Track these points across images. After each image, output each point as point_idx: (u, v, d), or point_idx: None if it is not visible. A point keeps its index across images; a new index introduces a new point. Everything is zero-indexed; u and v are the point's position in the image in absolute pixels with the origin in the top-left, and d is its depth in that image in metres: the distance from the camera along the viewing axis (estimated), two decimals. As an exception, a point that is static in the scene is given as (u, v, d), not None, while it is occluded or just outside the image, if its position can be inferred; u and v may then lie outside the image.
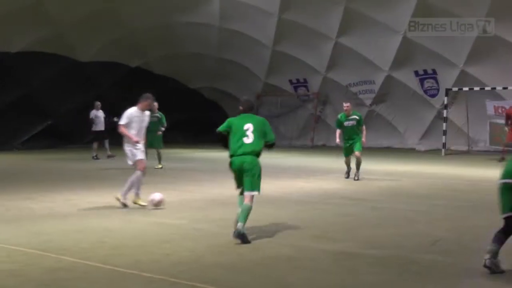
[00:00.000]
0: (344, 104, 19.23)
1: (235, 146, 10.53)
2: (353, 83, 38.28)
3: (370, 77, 37.20)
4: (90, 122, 28.13)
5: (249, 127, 10.67)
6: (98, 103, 28.32)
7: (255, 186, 10.36)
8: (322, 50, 37.63)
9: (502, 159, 26.83)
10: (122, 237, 10.20)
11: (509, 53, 31.72)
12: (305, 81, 40.30)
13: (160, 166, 22.86)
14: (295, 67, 39.36)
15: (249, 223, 9.95)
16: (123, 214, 12.42)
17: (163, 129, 23.51)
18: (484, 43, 32.18)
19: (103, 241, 9.82)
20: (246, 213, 9.97)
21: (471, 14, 31.83)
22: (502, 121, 31.32)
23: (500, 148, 29.99)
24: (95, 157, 27.32)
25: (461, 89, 32.64)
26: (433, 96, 35.08)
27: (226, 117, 35.70)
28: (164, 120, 23.56)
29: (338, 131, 19.19)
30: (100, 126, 28.08)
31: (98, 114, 28.16)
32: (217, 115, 40.65)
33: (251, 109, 11.12)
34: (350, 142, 18.82)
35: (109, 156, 26.94)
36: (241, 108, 11.01)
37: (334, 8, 35.00)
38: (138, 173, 13.64)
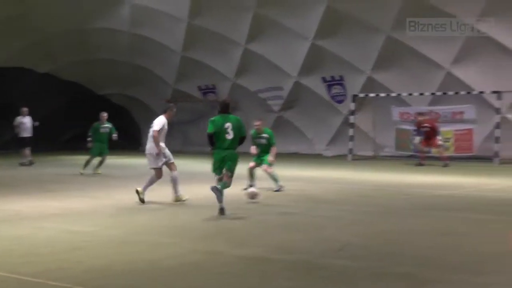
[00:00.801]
0: (255, 123, 19.22)
1: (219, 142, 13.28)
2: (262, 89, 38.51)
3: (279, 83, 37.49)
4: (15, 128, 27.63)
5: (228, 125, 13.24)
6: (24, 109, 27.80)
7: (233, 170, 13.42)
8: (231, 56, 37.76)
9: (419, 164, 27.49)
10: (32, 245, 10.06)
11: (415, 59, 32.43)
12: (214, 87, 40.36)
13: (99, 172, 23.46)
14: (204, 73, 39.41)
15: (163, 229, 9.97)
16: (34, 222, 12.28)
17: (115, 135, 24.71)
18: (390, 50, 32.82)
19: (11, 249, 9.71)
20: (224, 187, 13.12)
21: (379, 22, 32.41)
22: (408, 127, 32.13)
23: (406, 153, 30.86)
24: (27, 163, 26.86)
25: (368, 95, 33.24)
26: (340, 102, 35.59)
27: (135, 122, 35.43)
28: (114, 130, 24.77)
29: (252, 146, 19.18)
30: (27, 132, 27.56)
31: (24, 121, 27.64)
32: (125, 121, 40.59)
33: (227, 108, 13.58)
34: (261, 158, 18.80)
35: (22, 164, 26.63)
36: (219, 109, 13.70)
37: (244, 14, 35.17)
38: (174, 173, 15.38)
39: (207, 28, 36.52)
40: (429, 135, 28.16)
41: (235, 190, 17.62)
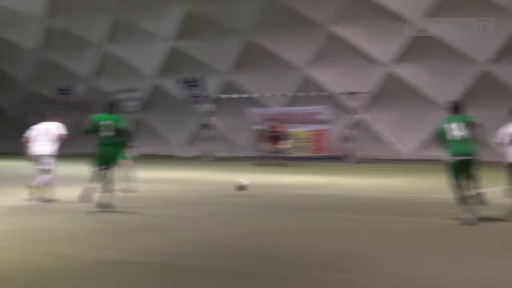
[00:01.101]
0: None
1: (102, 139, 14.00)
2: (120, 90, 38.16)
3: (137, 85, 37.26)
4: None
5: (110, 123, 14.20)
6: None
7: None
8: (88, 58, 37.30)
9: (262, 164, 27.67)
10: None
11: (273, 62, 32.88)
12: (71, 88, 39.70)
13: None
14: (61, 75, 38.74)
15: (16, 233, 9.60)
16: None
17: None
18: (248, 52, 33.17)
19: None
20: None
21: (238, 25, 32.68)
22: (265, 128, 32.44)
23: (264, 154, 31.25)
24: None
25: (226, 96, 33.39)
26: (198, 103, 35.65)
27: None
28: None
29: None
30: None
31: None
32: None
33: (111, 107, 14.88)
34: None
35: None
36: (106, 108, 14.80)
37: (102, 15, 34.82)
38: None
39: (64, 28, 35.91)
40: (279, 138, 28.44)
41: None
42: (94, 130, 14.32)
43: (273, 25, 32.19)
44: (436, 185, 19.80)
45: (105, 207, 13.72)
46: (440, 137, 12.73)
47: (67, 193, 17.30)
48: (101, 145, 14.10)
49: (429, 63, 30.41)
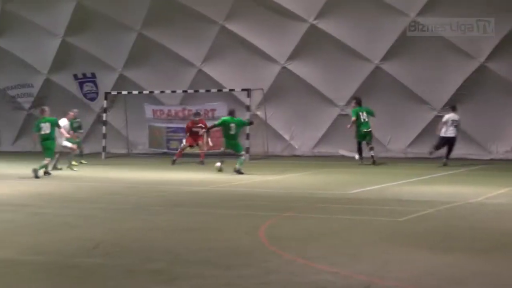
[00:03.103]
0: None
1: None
2: (11, 86, 37.49)
3: (29, 81, 36.68)
4: None
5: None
6: None
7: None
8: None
9: (174, 161, 27.43)
10: None
11: (166, 57, 32.89)
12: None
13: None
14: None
15: None
16: None
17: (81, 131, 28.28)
18: (142, 48, 33.07)
19: None
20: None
21: (129, 20, 32.53)
22: (161, 125, 32.37)
23: (160, 150, 31.22)
24: None
25: (120, 92, 33.11)
26: (92, 99, 35.32)
27: None
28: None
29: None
30: None
31: None
32: None
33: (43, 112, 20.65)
34: None
35: None
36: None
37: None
38: None
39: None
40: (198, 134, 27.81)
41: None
42: None
43: (165, 20, 32.16)
44: (324, 182, 20.23)
45: None
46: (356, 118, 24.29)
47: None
48: None
49: (322, 60, 30.85)
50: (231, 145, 23.47)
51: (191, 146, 27.81)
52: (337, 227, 11.45)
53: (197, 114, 28.88)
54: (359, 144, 26.24)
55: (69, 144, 24.05)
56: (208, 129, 25.19)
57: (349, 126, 26.38)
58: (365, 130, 25.89)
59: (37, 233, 10.84)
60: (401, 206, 13.95)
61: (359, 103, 26.42)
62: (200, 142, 27.20)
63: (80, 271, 8.21)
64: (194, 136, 27.64)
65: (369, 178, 20.99)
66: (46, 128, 21.69)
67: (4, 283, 7.73)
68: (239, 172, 22.15)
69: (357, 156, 26.35)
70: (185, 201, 15.12)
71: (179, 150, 28.12)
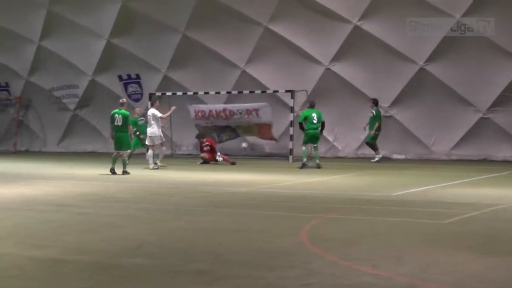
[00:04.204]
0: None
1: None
2: (57, 87, 37.88)
3: (74, 82, 37.00)
4: None
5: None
6: None
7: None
8: (24, 54, 36.93)
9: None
10: None
11: (210, 58, 32.94)
12: (7, 85, 39.27)
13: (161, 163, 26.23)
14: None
15: None
16: None
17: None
18: (186, 49, 33.16)
19: None
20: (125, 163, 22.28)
21: (174, 21, 32.67)
22: (207, 124, 32.48)
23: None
24: None
25: (164, 93, 33.28)
26: (137, 100, 35.51)
27: None
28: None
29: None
30: None
31: None
32: None
33: (122, 105, 22.83)
34: None
35: None
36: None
37: (36, 11, 34.51)
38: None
39: (-2, 25, 35.56)
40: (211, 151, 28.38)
41: (27, 190, 17.20)
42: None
43: (209, 22, 32.24)
44: (367, 183, 20.12)
45: None
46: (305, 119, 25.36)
47: (10, 191, 17.23)
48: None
49: (366, 62, 30.73)
50: (315, 137, 25.35)
51: (211, 161, 28.16)
52: (380, 229, 11.39)
53: (200, 135, 29.36)
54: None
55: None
56: (301, 127, 25.87)
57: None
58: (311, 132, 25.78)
59: (80, 233, 10.92)
60: (445, 208, 13.84)
61: (312, 106, 26.40)
62: (219, 159, 27.77)
63: (123, 271, 8.26)
64: (210, 152, 28.29)
65: (412, 180, 20.87)
66: (119, 120, 22.51)
67: (48, 282, 7.80)
68: (319, 166, 24.59)
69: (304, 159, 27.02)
70: (228, 202, 15.14)
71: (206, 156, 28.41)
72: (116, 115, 22.68)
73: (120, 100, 23.74)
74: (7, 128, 39.94)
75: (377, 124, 28.68)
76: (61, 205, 14.50)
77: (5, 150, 38.26)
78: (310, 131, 25.46)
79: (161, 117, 25.64)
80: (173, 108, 26.74)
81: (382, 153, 29.11)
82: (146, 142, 26.02)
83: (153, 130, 25.57)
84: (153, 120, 25.65)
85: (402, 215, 13.04)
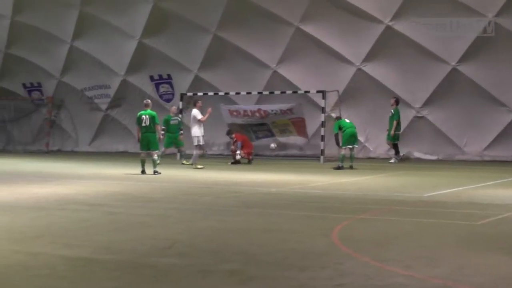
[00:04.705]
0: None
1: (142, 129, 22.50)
2: (89, 87, 38.09)
3: (106, 82, 37.20)
4: None
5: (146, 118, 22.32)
6: None
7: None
8: (56, 54, 37.20)
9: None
10: None
11: (241, 59, 32.95)
12: (39, 85, 39.55)
13: (187, 163, 27.53)
14: (29, 71, 38.60)
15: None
16: None
17: (181, 131, 28.85)
18: (217, 49, 33.21)
19: None
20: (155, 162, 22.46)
21: (205, 21, 32.72)
22: (242, 122, 32.56)
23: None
24: None
25: (196, 94, 33.33)
26: (168, 100, 35.60)
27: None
28: (181, 124, 29.34)
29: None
30: None
31: None
32: None
33: (146, 106, 22.92)
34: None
35: None
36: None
37: (69, 11, 34.75)
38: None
39: (31, 24, 35.79)
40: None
41: (60, 189, 17.30)
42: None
43: (240, 22, 32.26)
44: (399, 184, 20.03)
45: None
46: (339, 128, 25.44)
47: (43, 190, 17.35)
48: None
49: (398, 62, 30.59)
50: (354, 136, 25.77)
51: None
52: (412, 230, 11.33)
53: (230, 131, 29.88)
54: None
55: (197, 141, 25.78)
56: (337, 139, 25.95)
57: None
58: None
59: (111, 233, 10.96)
60: (478, 210, 13.74)
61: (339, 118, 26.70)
62: (237, 157, 28.27)
63: (154, 271, 8.27)
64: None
65: (445, 180, 20.74)
66: (146, 120, 22.67)
67: (78, 281, 7.83)
68: (351, 167, 24.94)
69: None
70: (259, 202, 15.12)
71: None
72: (143, 116, 22.79)
73: (145, 101, 23.76)
74: (39, 128, 40.22)
75: (395, 123, 28.64)
76: (92, 204, 14.57)
77: (37, 150, 38.54)
78: (348, 129, 25.42)
79: (199, 120, 25.67)
80: (209, 110, 26.45)
81: (406, 153, 29.17)
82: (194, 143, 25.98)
83: (193, 130, 25.76)
84: (193, 120, 25.82)
85: (434, 216, 12.95)
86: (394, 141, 28.97)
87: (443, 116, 30.52)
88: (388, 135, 28.99)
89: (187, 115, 33.45)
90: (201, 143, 25.77)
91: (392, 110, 28.87)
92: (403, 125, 30.78)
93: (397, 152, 29.00)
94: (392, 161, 28.66)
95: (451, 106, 30.09)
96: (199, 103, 26.39)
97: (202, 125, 25.75)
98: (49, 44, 36.86)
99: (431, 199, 15.68)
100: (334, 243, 10.02)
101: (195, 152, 25.91)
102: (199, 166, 25.62)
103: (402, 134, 30.50)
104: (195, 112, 25.83)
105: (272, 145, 29.31)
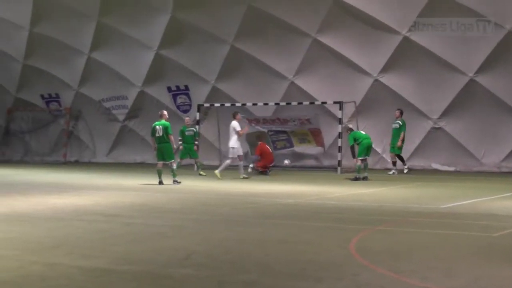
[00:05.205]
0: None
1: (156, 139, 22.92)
2: (106, 98, 38.23)
3: (123, 93, 37.31)
4: None
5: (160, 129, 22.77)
6: None
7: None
8: (74, 65, 37.35)
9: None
10: None
11: (258, 70, 32.96)
12: (57, 96, 39.73)
13: (204, 173, 27.86)
14: (47, 82, 38.79)
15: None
16: None
17: (196, 142, 29.20)
18: (234, 60, 33.25)
19: None
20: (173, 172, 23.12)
21: (223, 32, 32.77)
22: (262, 129, 32.64)
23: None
24: None
25: (213, 104, 33.41)
26: (185, 111, 35.66)
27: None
28: (197, 134, 29.72)
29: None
30: None
31: None
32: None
33: (161, 116, 23.29)
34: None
35: None
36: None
37: (87, 23, 34.89)
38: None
39: (49, 36, 35.98)
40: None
41: (77, 200, 17.36)
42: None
43: (257, 33, 32.28)
44: (416, 195, 19.97)
45: None
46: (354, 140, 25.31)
47: (61, 201, 17.41)
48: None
49: (415, 73, 30.54)
50: (371, 147, 25.98)
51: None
52: (430, 242, 11.31)
53: (257, 137, 30.26)
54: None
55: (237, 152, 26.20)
56: (353, 151, 25.82)
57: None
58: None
59: (128, 243, 10.99)
60: (495, 221, 13.68)
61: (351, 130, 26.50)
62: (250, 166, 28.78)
63: (172, 281, 8.29)
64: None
65: (462, 192, 20.67)
66: (159, 131, 23.05)
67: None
68: (366, 178, 25.07)
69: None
70: (276, 213, 15.14)
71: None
72: (157, 126, 23.13)
73: (160, 112, 23.97)
74: (57, 139, 40.39)
75: (403, 134, 28.58)
76: (110, 215, 14.62)
77: (55, 161, 38.70)
78: (364, 140, 25.38)
79: (237, 132, 26.03)
80: (246, 128, 27.78)
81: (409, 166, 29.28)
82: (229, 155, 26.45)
83: (231, 142, 26.09)
84: (232, 132, 26.13)
85: (451, 228, 12.92)
86: (399, 153, 28.87)
87: (461, 127, 30.44)
88: (394, 147, 28.83)
89: (203, 126, 33.60)
90: (240, 153, 26.23)
91: (400, 122, 28.76)
92: (420, 136, 30.72)
93: (403, 161, 28.93)
94: (392, 172, 28.52)
95: (468, 117, 30.00)
96: (239, 116, 26.82)
97: (238, 137, 26.19)
98: (67, 55, 37.01)
99: (448, 211, 15.64)
100: (351, 254, 10.02)
101: (227, 161, 26.58)
102: (202, 173, 27.34)
103: (419, 145, 30.45)
104: (235, 124, 26.16)
105: (286, 162, 29.40)
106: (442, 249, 10.56)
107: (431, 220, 13.93)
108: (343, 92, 30.85)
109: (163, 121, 23.23)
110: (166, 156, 23.07)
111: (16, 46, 37.31)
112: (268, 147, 29.59)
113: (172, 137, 23.40)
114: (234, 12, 31.95)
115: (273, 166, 28.94)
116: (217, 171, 26.03)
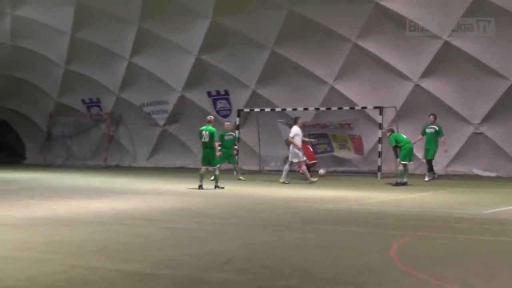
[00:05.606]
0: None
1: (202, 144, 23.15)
2: (147, 103, 38.42)
3: (164, 97, 37.49)
4: None
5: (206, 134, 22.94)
6: None
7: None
8: (115, 70, 37.60)
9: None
10: None
11: (298, 75, 32.93)
12: (98, 100, 40.03)
13: (243, 178, 28.36)
14: (88, 87, 39.10)
15: (41, 245, 9.67)
16: None
17: (236, 147, 29.62)
18: (274, 65, 33.25)
19: None
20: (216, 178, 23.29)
21: (263, 37, 32.79)
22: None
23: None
24: None
25: (253, 109, 33.44)
26: (225, 116, 35.73)
27: (17, 135, 35.22)
28: (236, 139, 30.12)
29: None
30: None
31: None
32: (5, 134, 39.62)
33: (209, 122, 23.45)
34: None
35: None
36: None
37: (128, 28, 35.07)
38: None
39: (90, 41, 36.28)
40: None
41: (117, 204, 17.45)
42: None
43: (297, 38, 32.27)
44: (458, 201, 19.78)
45: None
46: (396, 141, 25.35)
47: (101, 205, 17.51)
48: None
49: (456, 78, 30.32)
50: (412, 151, 25.96)
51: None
52: (472, 248, 11.19)
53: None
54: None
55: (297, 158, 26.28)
56: (396, 152, 25.90)
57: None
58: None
59: (169, 248, 11.00)
60: (539, 227, 13.51)
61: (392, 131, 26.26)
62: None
63: (211, 286, 8.28)
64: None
65: (503, 197, 20.47)
66: (206, 137, 23.26)
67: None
68: (406, 183, 25.08)
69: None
70: (315, 218, 15.09)
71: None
72: (204, 131, 23.24)
73: (208, 117, 24.09)
74: (98, 143, 40.69)
75: (443, 139, 28.29)
76: (150, 219, 14.66)
77: (96, 165, 38.99)
78: (406, 144, 25.25)
79: (291, 138, 26.44)
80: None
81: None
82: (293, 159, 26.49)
83: (291, 147, 26.35)
84: (295, 137, 26.29)
85: (493, 234, 12.77)
86: (433, 158, 28.57)
87: (502, 132, 30.17)
88: (430, 153, 28.49)
89: (243, 131, 33.63)
90: (301, 159, 26.33)
91: (436, 127, 28.44)
92: (461, 141, 30.47)
93: (431, 169, 28.62)
94: (427, 178, 28.23)
95: (510, 122, 29.72)
96: (300, 121, 27.02)
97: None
98: (108, 60, 37.29)
99: (490, 216, 15.48)
100: (391, 259, 9.94)
101: (287, 166, 26.57)
102: (242, 178, 27.74)
103: (460, 150, 30.22)
104: (296, 129, 26.35)
105: (322, 171, 29.14)
106: (485, 255, 10.44)
107: (473, 226, 13.79)
108: (383, 97, 30.74)
109: (210, 127, 23.36)
110: (211, 161, 23.21)
111: (58, 51, 37.65)
112: (309, 147, 29.39)
113: (216, 144, 23.55)
114: (275, 17, 31.97)
115: (314, 171, 28.76)
116: (281, 179, 26.28)
